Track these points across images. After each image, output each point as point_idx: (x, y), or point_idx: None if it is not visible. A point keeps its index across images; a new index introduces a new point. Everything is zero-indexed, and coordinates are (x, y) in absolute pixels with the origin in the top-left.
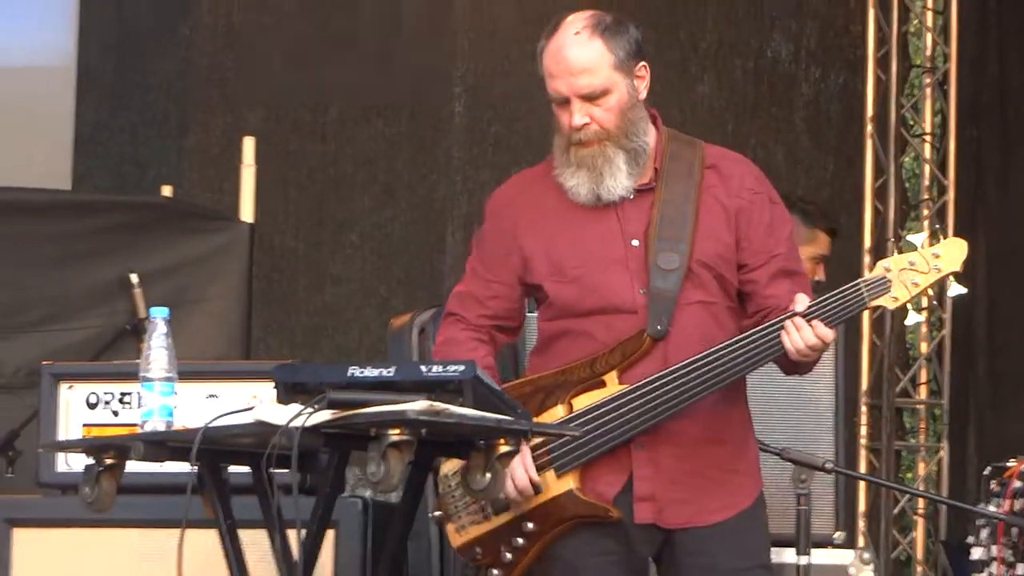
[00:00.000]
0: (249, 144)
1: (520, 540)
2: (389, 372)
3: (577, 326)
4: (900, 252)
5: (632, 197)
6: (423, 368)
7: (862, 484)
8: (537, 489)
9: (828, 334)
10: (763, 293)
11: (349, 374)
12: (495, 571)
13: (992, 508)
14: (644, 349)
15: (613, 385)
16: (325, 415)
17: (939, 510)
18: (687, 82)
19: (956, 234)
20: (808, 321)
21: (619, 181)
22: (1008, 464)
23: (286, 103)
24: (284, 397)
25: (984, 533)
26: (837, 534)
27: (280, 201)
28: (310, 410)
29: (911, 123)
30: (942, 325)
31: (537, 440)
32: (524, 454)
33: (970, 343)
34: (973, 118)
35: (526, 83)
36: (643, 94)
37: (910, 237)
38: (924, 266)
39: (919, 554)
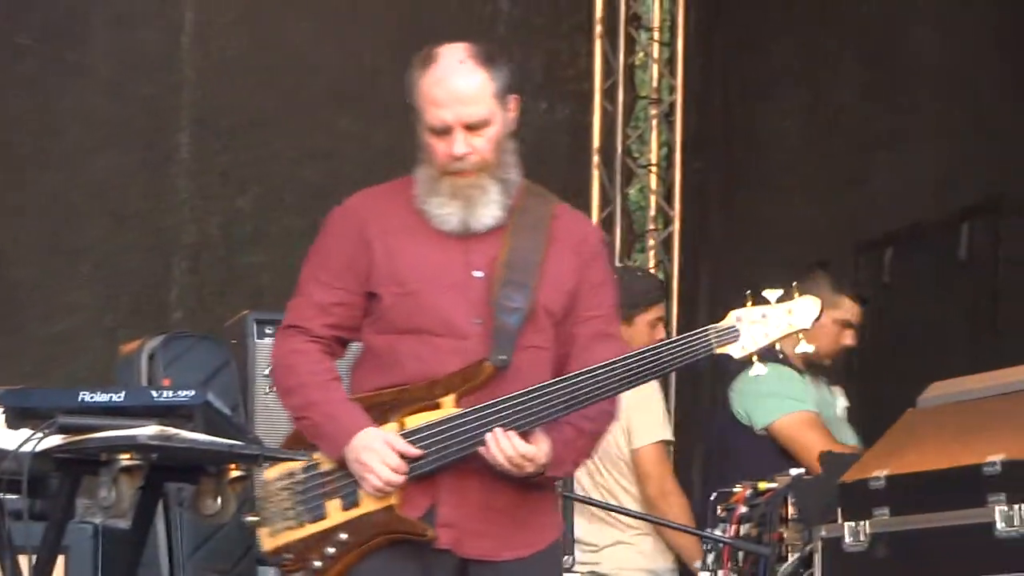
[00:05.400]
0: None
1: (332, 550)
2: (119, 397)
3: (404, 344)
4: (754, 304)
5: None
6: (154, 393)
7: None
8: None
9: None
10: (579, 351)
11: (80, 399)
12: None
13: (718, 533)
14: (485, 377)
15: (449, 408)
16: (56, 440)
17: None
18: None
19: (681, 264)
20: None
21: (491, 211)
22: (734, 490)
23: (20, 132)
24: (14, 422)
25: (710, 558)
26: (566, 558)
27: (13, 229)
28: (40, 435)
29: (637, 155)
30: None
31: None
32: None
33: (694, 373)
34: (698, 150)
35: (254, 113)
36: (513, 126)
37: (765, 292)
38: (776, 320)
39: None
